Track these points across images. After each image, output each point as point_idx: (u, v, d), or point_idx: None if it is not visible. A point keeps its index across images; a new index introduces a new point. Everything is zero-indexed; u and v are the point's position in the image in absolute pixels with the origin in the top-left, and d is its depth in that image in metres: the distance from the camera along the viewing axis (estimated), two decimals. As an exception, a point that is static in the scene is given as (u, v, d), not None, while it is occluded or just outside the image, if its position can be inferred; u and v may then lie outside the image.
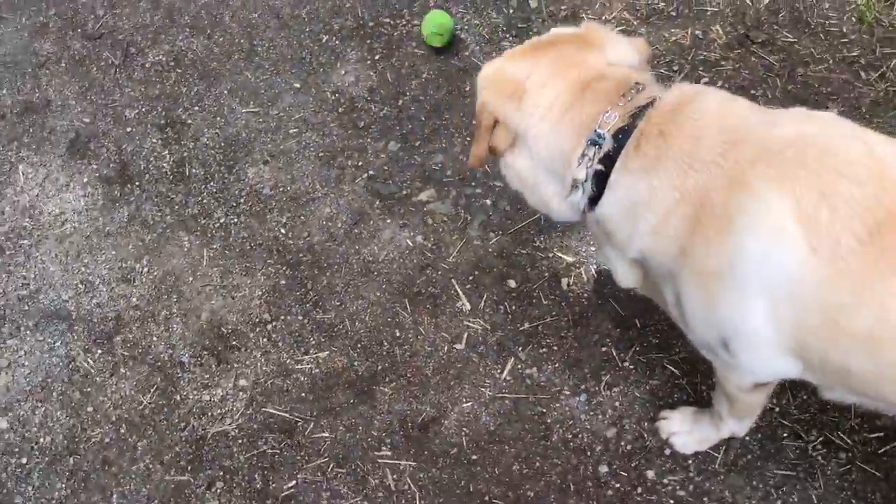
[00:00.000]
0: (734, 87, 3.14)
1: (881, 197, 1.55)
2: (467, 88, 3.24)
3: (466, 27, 3.40)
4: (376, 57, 3.37)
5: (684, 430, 2.38)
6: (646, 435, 2.46)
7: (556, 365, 2.62)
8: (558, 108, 1.84)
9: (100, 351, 2.82)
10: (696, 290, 1.73)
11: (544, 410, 2.54)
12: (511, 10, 3.44)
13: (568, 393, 2.57)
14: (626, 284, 2.02)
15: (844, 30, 3.25)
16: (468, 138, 3.10)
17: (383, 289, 2.83)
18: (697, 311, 1.77)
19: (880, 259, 1.54)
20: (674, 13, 3.38)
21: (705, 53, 3.25)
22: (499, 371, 2.63)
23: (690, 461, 2.41)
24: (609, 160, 1.78)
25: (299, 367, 2.72)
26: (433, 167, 3.07)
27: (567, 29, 2.03)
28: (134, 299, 2.91)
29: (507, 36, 3.37)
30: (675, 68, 3.21)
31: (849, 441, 2.38)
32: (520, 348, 2.66)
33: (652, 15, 3.38)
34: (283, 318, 2.82)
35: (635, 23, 3.36)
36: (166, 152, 3.23)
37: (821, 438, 2.40)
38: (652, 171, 1.72)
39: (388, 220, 2.97)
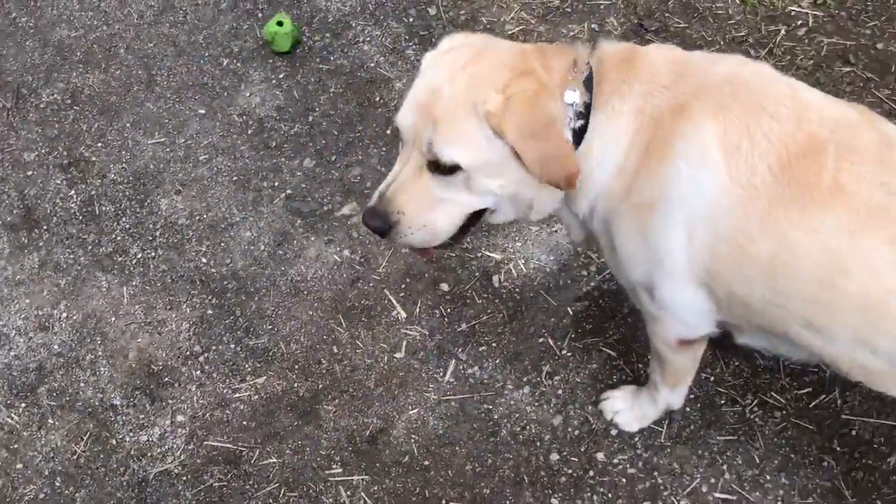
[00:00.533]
0: (634, 74, 3.24)
1: (797, 135, 1.67)
2: (377, 99, 3.24)
3: (368, 39, 3.41)
4: (281, 75, 3.34)
5: (626, 408, 2.44)
6: (591, 419, 2.51)
7: (497, 361, 2.64)
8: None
9: (23, 404, 2.69)
10: (631, 222, 1.81)
11: (490, 407, 2.56)
12: (411, 19, 3.47)
13: (511, 387, 2.59)
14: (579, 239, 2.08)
15: (730, 12, 3.41)
16: (384, 149, 3.11)
17: (315, 307, 2.80)
18: (629, 246, 1.85)
19: (787, 190, 1.65)
20: (569, 10, 3.47)
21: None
22: (441, 374, 2.63)
23: (637, 439, 2.46)
24: (584, 116, 1.80)
25: (237, 395, 2.65)
26: (352, 180, 3.06)
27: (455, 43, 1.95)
28: (55, 346, 2.78)
29: (410, 44, 3.39)
30: (577, 62, 3.30)
31: (781, 400, 2.48)
32: (459, 349, 2.67)
33: (548, 13, 3.46)
34: (214, 348, 2.75)
35: (533, 22, 3.43)
36: (73, 192, 3.11)
37: (756, 401, 2.49)
38: (617, 100, 1.78)
39: (312, 238, 2.94)
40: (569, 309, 2.71)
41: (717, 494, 2.37)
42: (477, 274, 2.82)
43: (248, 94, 3.31)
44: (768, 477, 2.37)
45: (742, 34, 3.33)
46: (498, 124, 1.69)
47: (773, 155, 1.66)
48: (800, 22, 3.35)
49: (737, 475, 2.38)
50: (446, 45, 1.91)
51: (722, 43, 3.31)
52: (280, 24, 3.31)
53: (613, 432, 2.48)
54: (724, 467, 2.40)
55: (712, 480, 2.39)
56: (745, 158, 1.67)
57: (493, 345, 2.67)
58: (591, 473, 2.43)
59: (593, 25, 3.42)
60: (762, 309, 1.78)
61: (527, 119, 1.68)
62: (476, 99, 1.71)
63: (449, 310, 2.75)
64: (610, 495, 2.39)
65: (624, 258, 1.89)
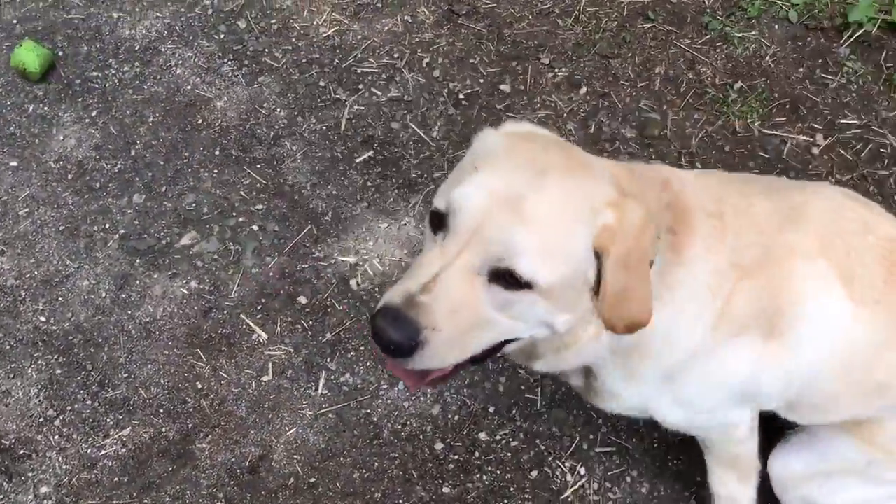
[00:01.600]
0: (453, 59, 3.29)
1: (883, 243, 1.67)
2: (200, 121, 3.14)
3: (181, 62, 3.29)
4: (93, 113, 3.17)
5: None
6: (468, 401, 2.53)
7: (368, 364, 2.62)
8: None
9: None
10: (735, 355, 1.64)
11: (368, 411, 2.54)
12: (221, 35, 3.37)
13: (386, 387, 2.58)
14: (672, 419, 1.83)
15: (534, -14, 3.51)
16: (216, 171, 3.01)
17: (171, 346, 2.68)
18: (723, 380, 1.68)
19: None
20: (380, 4, 3.47)
21: (419, 36, 3.37)
22: (313, 389, 2.59)
23: (515, 411, 2.51)
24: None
25: (103, 452, 2.51)
26: (187, 208, 2.95)
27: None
28: None
29: (225, 61, 3.30)
30: (396, 55, 3.31)
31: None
32: (328, 360, 2.63)
33: (360, 11, 3.46)
34: (69, 408, 2.59)
35: (347, 21, 3.42)
36: None
37: (619, 352, 2.58)
38: (711, 255, 1.56)
39: (156, 276, 2.82)
40: (429, 299, 2.72)
41: (597, 449, 2.45)
42: (333, 281, 2.78)
43: (61, 138, 3.13)
44: (642, 423, 2.47)
45: (548, 6, 3.44)
46: (607, 242, 1.38)
47: (879, 266, 1.63)
48: (599, -13, 3.49)
49: (612, 427, 2.47)
50: (514, 128, 1.59)
51: (530, 17, 3.41)
52: (28, 49, 3.16)
53: (491, 409, 2.52)
54: (600, 422, 2.48)
55: (591, 437, 2.46)
56: (860, 280, 1.61)
57: (361, 349, 2.65)
58: (477, 454, 2.45)
59: (406, 17, 3.44)
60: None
61: (632, 246, 1.38)
62: (583, 207, 1.39)
63: (310, 322, 2.70)
64: (498, 472, 2.42)
65: (700, 397, 1.75)
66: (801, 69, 3.18)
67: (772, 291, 1.55)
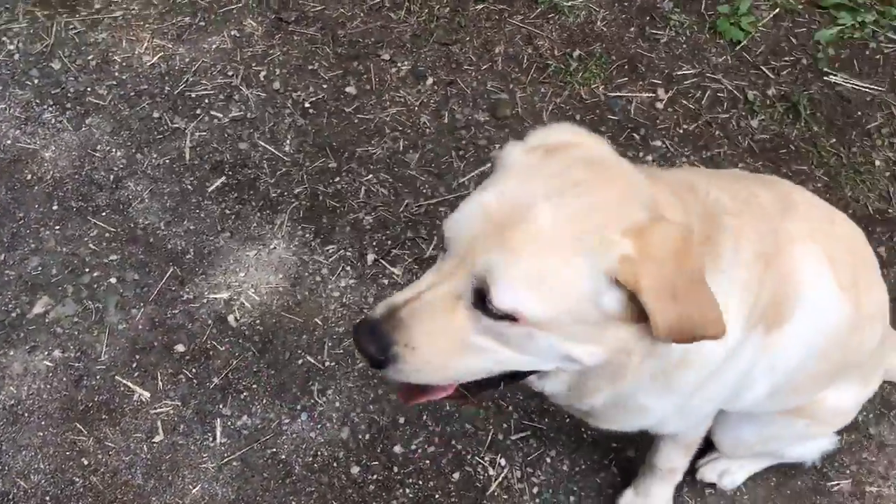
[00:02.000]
0: (291, 68, 3.17)
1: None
2: (29, 177, 2.88)
3: (-6, 115, 3.01)
4: None
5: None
6: (377, 417, 2.46)
7: (264, 401, 2.49)
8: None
9: None
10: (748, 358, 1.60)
11: (274, 450, 2.42)
12: (35, 81, 3.10)
13: (288, 420, 2.46)
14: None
15: (359, -18, 3.43)
16: (58, 228, 2.78)
17: (44, 426, 2.46)
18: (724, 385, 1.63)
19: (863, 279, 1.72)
20: (203, 23, 3.30)
21: (251, 49, 3.23)
22: (211, 439, 2.44)
23: (425, 416, 2.46)
24: None
25: (-11, 558, 2.27)
26: (33, 273, 2.70)
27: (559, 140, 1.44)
28: None
29: (45, 107, 3.04)
30: (231, 73, 3.16)
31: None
32: (220, 405, 2.48)
33: (183, 33, 3.27)
34: (-60, 518, 2.32)
35: (171, 46, 3.22)
36: None
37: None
38: (742, 247, 1.50)
39: (12, 352, 2.57)
40: (316, 320, 2.62)
41: (513, 437, 2.44)
42: (210, 321, 2.63)
43: None
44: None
45: (377, 1, 3.37)
46: (631, 275, 1.23)
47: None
48: (425, -26, 3.46)
49: (523, 411, 2.47)
50: (543, 138, 1.42)
51: (362, 15, 3.34)
52: None
53: (401, 420, 2.46)
54: (510, 409, 2.48)
55: (504, 426, 2.45)
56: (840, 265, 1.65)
57: (254, 386, 2.52)
58: (396, 469, 2.39)
59: (233, 32, 3.28)
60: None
61: (672, 274, 1.24)
62: (589, 235, 1.25)
63: (194, 370, 2.54)
64: (420, 482, 2.37)
65: (697, 405, 1.68)
66: (631, 28, 3.27)
67: (782, 278, 1.53)
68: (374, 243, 2.76)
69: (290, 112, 3.08)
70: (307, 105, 3.10)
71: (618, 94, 3.09)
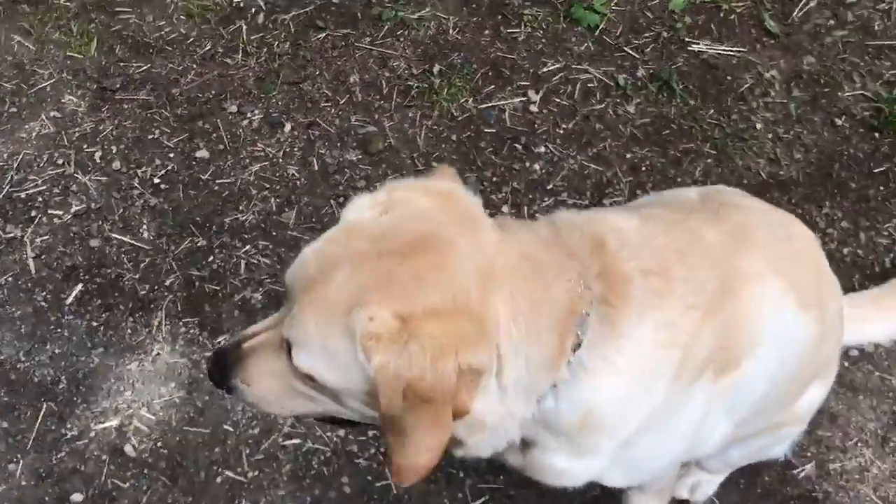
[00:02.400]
0: (130, 142, 2.84)
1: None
2: None
3: None
4: None
5: None
6: (319, 519, 2.22)
7: (189, 535, 2.20)
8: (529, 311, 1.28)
9: None
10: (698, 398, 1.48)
11: (214, 587, 2.14)
12: None
13: (222, 550, 2.18)
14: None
15: (183, 31, 3.10)
16: None
17: None
18: (689, 427, 1.53)
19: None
20: (14, 109, 2.92)
21: (78, 129, 2.89)
22: None
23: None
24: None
25: None
26: None
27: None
28: None
29: None
30: (61, 161, 2.79)
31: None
32: (140, 553, 2.18)
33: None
34: None
35: (-19, 143, 2.81)
36: None
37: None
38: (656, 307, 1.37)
39: None
40: (226, 427, 2.33)
41: None
42: (104, 457, 2.30)
43: None
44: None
45: (208, 48, 3.06)
46: (372, 349, 1.16)
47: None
48: (253, 10, 3.16)
49: (476, 473, 2.29)
50: (390, 191, 1.31)
51: (195, 66, 3.01)
52: None
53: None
54: (461, 475, 2.29)
55: (459, 495, 2.27)
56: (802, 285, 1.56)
57: (174, 520, 2.22)
58: None
59: (54, 113, 2.90)
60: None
61: (411, 378, 1.15)
62: (364, 309, 1.17)
63: (100, 520, 2.22)
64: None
65: (662, 451, 1.58)
66: (486, 31, 3.10)
67: (731, 323, 1.43)
68: (271, 323, 2.49)
69: (139, 193, 2.74)
70: (157, 180, 2.78)
71: (489, 104, 2.92)
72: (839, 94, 2.89)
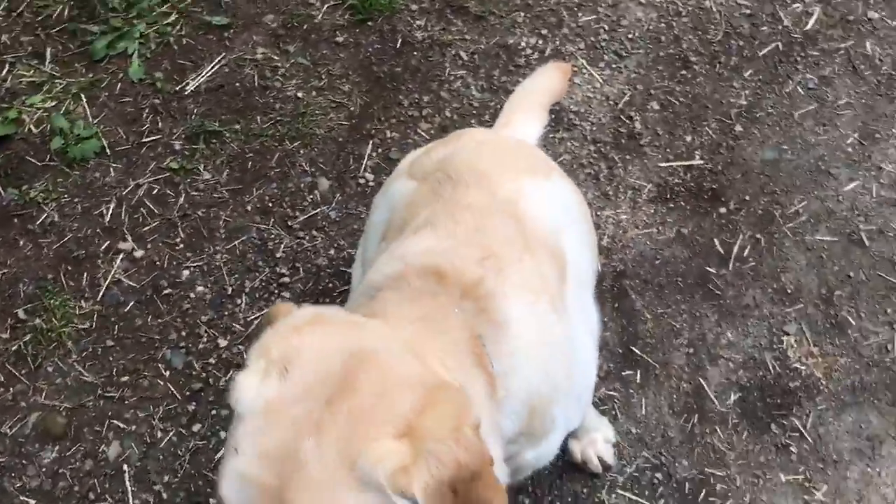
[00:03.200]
0: None
1: None
2: None
3: None
4: None
5: None
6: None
7: None
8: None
9: None
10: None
11: None
12: None
13: None
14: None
15: None
16: None
17: None
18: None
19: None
20: None
21: None
22: None
23: None
24: None
25: None
26: None
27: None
28: None
29: None
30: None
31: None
32: None
33: None
34: None
35: None
36: None
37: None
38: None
39: None
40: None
41: None
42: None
43: None
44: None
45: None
46: (408, 486, 1.04)
47: None
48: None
49: None
50: (265, 352, 1.16)
51: None
52: None
53: None
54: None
55: None
56: None
57: None
58: None
59: None
60: None
61: (453, 472, 1.07)
62: (361, 460, 1.04)
63: None
64: None
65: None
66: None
67: (542, 240, 1.57)
68: None
69: None
70: None
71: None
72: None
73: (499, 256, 1.44)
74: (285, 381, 1.11)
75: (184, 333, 2.34)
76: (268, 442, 1.06)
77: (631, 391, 2.24)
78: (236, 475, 1.06)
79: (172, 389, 2.26)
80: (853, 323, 2.31)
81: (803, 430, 2.17)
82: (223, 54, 2.80)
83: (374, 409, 1.08)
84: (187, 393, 2.25)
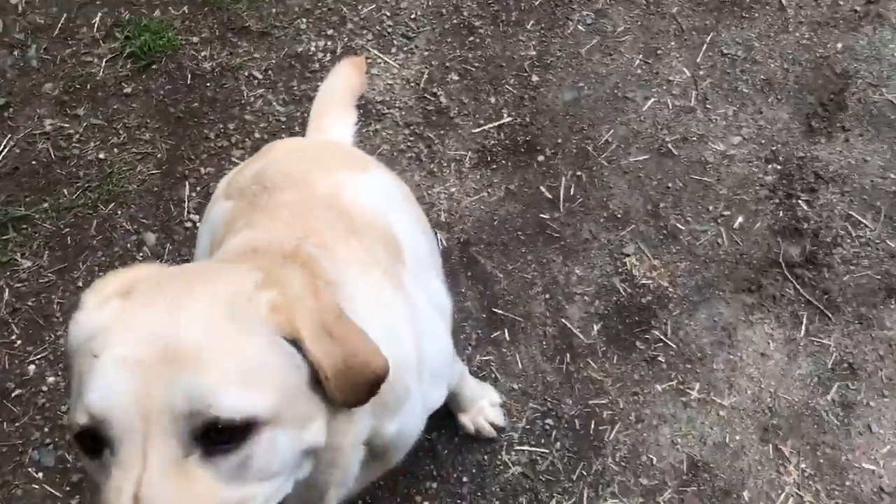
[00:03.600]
0: None
1: None
2: None
3: None
4: None
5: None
6: None
7: None
8: None
9: None
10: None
11: None
12: None
13: None
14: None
15: None
16: None
17: None
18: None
19: None
20: None
21: None
22: None
23: None
24: None
25: None
26: None
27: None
28: None
29: None
30: None
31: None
32: None
33: None
34: None
35: None
36: None
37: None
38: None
39: None
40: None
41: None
42: None
43: None
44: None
45: None
46: (289, 322, 1.09)
47: None
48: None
49: (387, 489, 2.02)
50: (115, 285, 1.14)
51: None
52: None
53: None
54: (379, 493, 2.01)
55: (378, 518, 1.99)
56: None
57: None
58: None
59: None
60: None
61: (318, 308, 1.13)
62: (240, 308, 1.08)
63: None
64: None
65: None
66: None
67: (366, 222, 1.58)
68: None
69: None
70: None
71: None
72: None
73: (322, 236, 1.42)
74: (129, 298, 1.10)
75: (46, 429, 2.23)
76: (139, 325, 1.06)
77: (504, 350, 2.31)
78: (113, 363, 1.03)
79: (50, 490, 2.16)
80: (682, 228, 2.46)
81: (665, 339, 2.31)
82: (8, 136, 2.66)
83: (233, 286, 1.11)
84: (67, 488, 2.16)
